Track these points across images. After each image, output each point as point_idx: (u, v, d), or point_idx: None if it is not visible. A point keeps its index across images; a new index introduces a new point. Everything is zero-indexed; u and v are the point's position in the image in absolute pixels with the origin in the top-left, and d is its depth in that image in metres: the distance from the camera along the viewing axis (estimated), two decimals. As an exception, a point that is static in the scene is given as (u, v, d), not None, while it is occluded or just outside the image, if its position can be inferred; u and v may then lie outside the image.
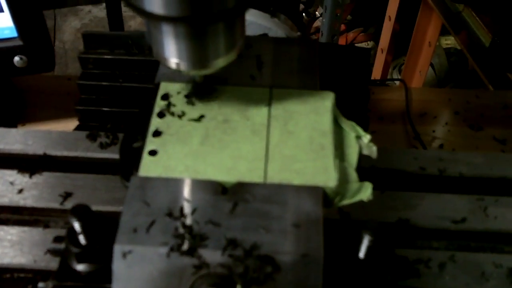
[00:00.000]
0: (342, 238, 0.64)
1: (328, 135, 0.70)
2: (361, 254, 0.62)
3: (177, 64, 0.66)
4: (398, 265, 0.67)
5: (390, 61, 2.35)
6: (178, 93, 0.75)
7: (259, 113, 0.73)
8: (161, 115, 0.72)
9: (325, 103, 0.74)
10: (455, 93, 1.27)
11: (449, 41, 2.39)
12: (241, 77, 0.78)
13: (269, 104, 0.74)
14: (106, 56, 0.88)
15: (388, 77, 2.37)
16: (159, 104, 0.73)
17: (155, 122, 0.71)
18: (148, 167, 0.66)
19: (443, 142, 1.14)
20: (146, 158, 0.67)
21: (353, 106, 0.84)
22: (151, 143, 0.69)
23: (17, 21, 0.96)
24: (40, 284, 0.66)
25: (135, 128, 0.72)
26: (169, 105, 0.74)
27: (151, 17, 0.60)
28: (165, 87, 0.76)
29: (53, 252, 0.67)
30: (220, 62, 0.67)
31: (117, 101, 0.84)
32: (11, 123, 1.13)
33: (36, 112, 1.17)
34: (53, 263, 0.66)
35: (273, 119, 0.72)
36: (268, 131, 0.71)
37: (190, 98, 0.75)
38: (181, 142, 0.69)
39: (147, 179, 0.65)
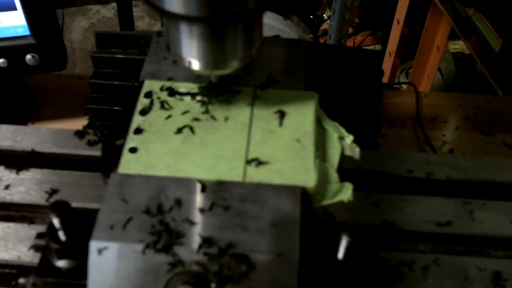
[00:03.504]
0: (322, 239, 0.64)
1: (310, 136, 0.70)
2: (340, 255, 0.62)
3: (195, 64, 0.66)
4: (381, 267, 0.66)
5: (398, 64, 2.34)
6: (161, 90, 0.76)
7: (241, 112, 0.73)
8: (143, 112, 0.72)
9: (308, 103, 0.74)
10: (466, 98, 1.26)
11: (457, 46, 2.38)
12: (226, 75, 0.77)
13: (252, 104, 0.74)
14: (118, 56, 0.89)
15: (396, 80, 2.36)
16: (142, 102, 0.74)
17: (137, 120, 0.71)
18: (128, 165, 0.67)
19: (453, 147, 1.14)
20: (126, 156, 0.67)
21: (366, 110, 0.84)
22: (132, 140, 0.69)
23: (30, 19, 0.97)
24: (21, 280, 0.66)
25: (118, 126, 0.73)
26: (152, 102, 0.74)
27: (170, 16, 0.60)
28: (149, 85, 0.76)
29: (36, 248, 0.67)
30: (237, 63, 0.67)
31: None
32: (21, 121, 1.13)
33: (46, 111, 1.18)
34: (36, 259, 0.66)
35: (256, 119, 0.72)
36: (250, 130, 0.71)
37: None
38: (162, 140, 0.69)
39: (127, 176, 0.65)
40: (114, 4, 3.39)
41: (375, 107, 0.87)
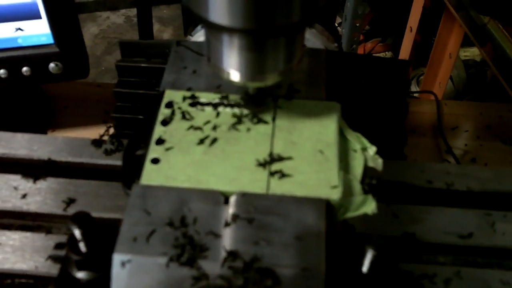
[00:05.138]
0: (346, 252, 0.63)
1: (333, 147, 0.69)
2: (365, 268, 0.61)
3: (234, 75, 0.66)
4: (403, 280, 0.66)
5: (410, 72, 2.33)
6: (184, 100, 0.75)
7: (263, 123, 0.72)
8: (164, 123, 0.72)
9: (330, 114, 0.73)
10: (487, 107, 1.25)
11: (467, 53, 2.37)
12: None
13: (274, 114, 0.73)
14: (142, 65, 0.89)
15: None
16: (163, 112, 0.73)
17: (159, 130, 0.71)
18: (149, 176, 0.66)
19: (475, 157, 1.13)
20: (148, 167, 0.67)
21: (392, 120, 0.84)
22: (153, 151, 0.69)
23: (54, 28, 0.97)
24: (40, 291, 0.66)
25: (139, 136, 0.72)
26: (173, 113, 0.73)
27: (214, 27, 0.60)
28: (169, 95, 0.75)
29: (54, 258, 0.67)
30: (277, 76, 0.67)
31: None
32: (40, 130, 1.14)
33: (65, 119, 1.17)
34: (54, 270, 0.65)
35: (277, 130, 0.71)
36: (272, 141, 0.70)
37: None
38: (184, 151, 0.69)
39: (149, 188, 0.65)
40: (124, 11, 3.40)
41: (401, 117, 0.87)
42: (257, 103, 0.74)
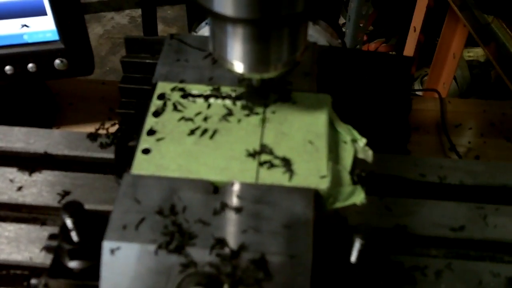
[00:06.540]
0: (335, 241, 0.64)
1: (323, 138, 0.70)
2: (353, 258, 0.62)
3: (238, 66, 0.66)
4: (394, 271, 0.66)
5: (413, 72, 2.33)
6: (173, 90, 0.76)
7: (254, 115, 0.73)
8: (156, 114, 0.72)
9: (321, 105, 0.74)
10: (490, 104, 1.25)
11: (471, 53, 2.37)
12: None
13: (265, 105, 0.74)
14: (147, 61, 0.89)
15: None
16: (155, 104, 0.74)
17: (150, 121, 0.71)
18: (140, 165, 0.67)
19: (479, 154, 1.13)
20: (139, 157, 0.68)
21: (396, 116, 0.84)
22: (145, 141, 0.69)
23: (59, 24, 0.98)
24: (33, 281, 0.66)
25: (132, 127, 0.73)
26: (165, 104, 0.74)
27: (218, 18, 0.60)
28: (162, 87, 0.76)
29: (48, 249, 0.67)
30: (281, 68, 0.67)
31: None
32: (46, 126, 1.13)
33: (70, 115, 1.18)
34: (48, 261, 0.66)
35: (268, 120, 0.72)
36: (263, 132, 0.70)
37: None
38: (175, 142, 0.69)
39: (139, 177, 0.65)
40: (128, 11, 3.41)
41: (405, 113, 0.87)
42: (261, 95, 0.75)
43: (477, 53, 2.34)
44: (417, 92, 2.20)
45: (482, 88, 2.30)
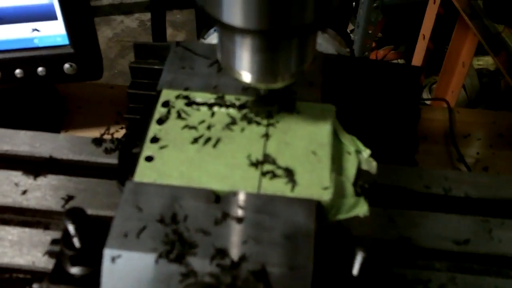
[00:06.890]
0: (337, 254, 0.63)
1: (326, 148, 0.70)
2: (355, 271, 0.61)
3: (246, 76, 0.66)
4: (396, 284, 0.65)
5: (422, 80, 2.32)
6: (177, 98, 0.76)
7: (257, 124, 0.73)
8: (160, 121, 0.72)
9: (325, 115, 0.73)
10: (500, 115, 1.24)
11: (481, 62, 2.36)
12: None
13: (268, 115, 0.74)
14: (156, 67, 0.89)
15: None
16: (159, 111, 0.74)
17: (154, 129, 0.71)
18: (143, 173, 0.67)
19: (487, 165, 1.12)
20: (142, 164, 0.68)
21: (404, 126, 0.84)
22: (148, 149, 0.69)
23: (70, 29, 0.98)
24: (35, 285, 0.66)
25: (135, 134, 0.73)
26: (169, 112, 0.74)
27: (226, 28, 0.60)
28: (166, 94, 0.76)
29: (51, 254, 0.67)
30: (289, 78, 0.67)
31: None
32: (54, 129, 1.15)
33: (78, 119, 1.18)
34: (51, 265, 0.66)
35: (271, 130, 0.72)
36: (266, 141, 0.70)
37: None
38: (178, 149, 0.69)
39: (142, 185, 0.65)
40: (137, 15, 3.42)
41: (413, 124, 0.87)
42: (268, 103, 0.74)
43: (486, 61, 2.34)
44: (425, 101, 2.20)
45: (492, 97, 2.30)
